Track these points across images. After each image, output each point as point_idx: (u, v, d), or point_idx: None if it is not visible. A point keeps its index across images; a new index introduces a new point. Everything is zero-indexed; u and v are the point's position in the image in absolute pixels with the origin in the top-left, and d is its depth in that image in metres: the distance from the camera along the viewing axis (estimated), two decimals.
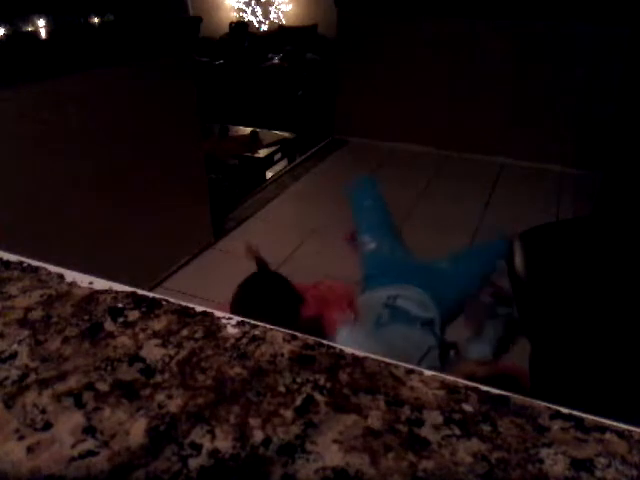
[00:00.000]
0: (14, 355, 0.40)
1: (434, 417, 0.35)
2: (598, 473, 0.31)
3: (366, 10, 3.89)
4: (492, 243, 1.96)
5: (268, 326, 0.44)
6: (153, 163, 2.14)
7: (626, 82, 2.84)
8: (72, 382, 0.38)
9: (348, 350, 0.42)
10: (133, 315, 0.45)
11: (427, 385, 0.38)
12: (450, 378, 0.39)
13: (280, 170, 3.65)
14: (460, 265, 1.82)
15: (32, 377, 0.38)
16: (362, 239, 1.96)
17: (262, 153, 3.58)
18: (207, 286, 2.21)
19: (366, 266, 1.92)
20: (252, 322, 0.45)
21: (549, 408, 0.36)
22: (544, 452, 0.33)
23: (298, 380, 0.38)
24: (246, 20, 6.09)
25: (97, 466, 0.32)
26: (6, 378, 0.38)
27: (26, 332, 0.42)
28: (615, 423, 0.35)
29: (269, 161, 3.60)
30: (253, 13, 6.12)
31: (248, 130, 3.81)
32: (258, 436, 0.34)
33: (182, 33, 2.20)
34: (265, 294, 1.51)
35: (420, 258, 1.79)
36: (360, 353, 0.41)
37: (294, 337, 0.43)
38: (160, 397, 0.37)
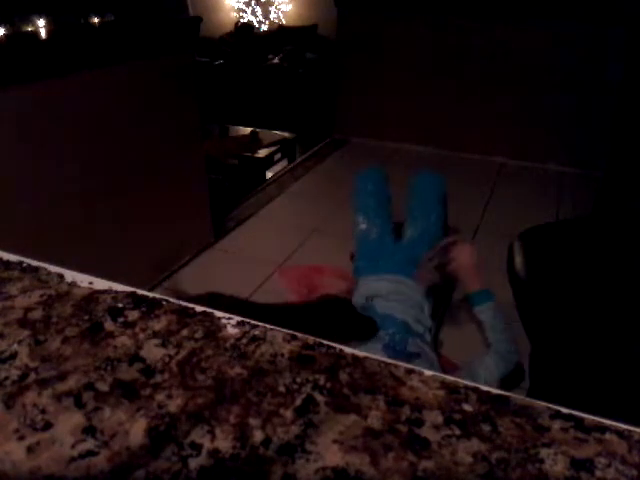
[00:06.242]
0: (14, 355, 0.40)
1: (434, 417, 0.35)
2: (598, 473, 0.31)
3: (366, 10, 3.88)
4: (421, 180, 2.06)
5: (268, 326, 0.44)
6: (153, 163, 2.14)
7: (626, 82, 2.84)
8: (72, 382, 0.38)
9: (348, 350, 0.42)
10: (133, 315, 0.45)
11: (427, 385, 0.38)
12: (450, 378, 0.39)
13: (280, 170, 3.65)
14: (420, 222, 1.93)
15: (32, 377, 0.38)
16: (356, 218, 2.00)
17: (262, 153, 3.57)
18: (207, 286, 2.19)
19: (357, 245, 1.99)
20: (252, 322, 0.45)
21: (549, 408, 0.36)
22: (544, 452, 0.33)
23: (298, 380, 0.38)
24: (247, 20, 6.09)
25: (97, 466, 0.32)
26: (6, 378, 0.38)
27: (26, 332, 0.42)
28: (615, 423, 0.35)
29: (269, 161, 3.59)
30: (253, 13, 6.11)
31: (248, 130, 3.81)
32: (258, 436, 0.34)
33: (182, 33, 2.20)
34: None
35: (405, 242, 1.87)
36: (360, 353, 0.41)
37: (294, 337, 0.43)
38: (160, 397, 0.37)
